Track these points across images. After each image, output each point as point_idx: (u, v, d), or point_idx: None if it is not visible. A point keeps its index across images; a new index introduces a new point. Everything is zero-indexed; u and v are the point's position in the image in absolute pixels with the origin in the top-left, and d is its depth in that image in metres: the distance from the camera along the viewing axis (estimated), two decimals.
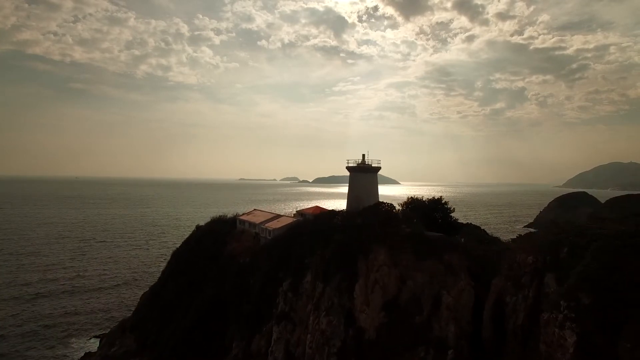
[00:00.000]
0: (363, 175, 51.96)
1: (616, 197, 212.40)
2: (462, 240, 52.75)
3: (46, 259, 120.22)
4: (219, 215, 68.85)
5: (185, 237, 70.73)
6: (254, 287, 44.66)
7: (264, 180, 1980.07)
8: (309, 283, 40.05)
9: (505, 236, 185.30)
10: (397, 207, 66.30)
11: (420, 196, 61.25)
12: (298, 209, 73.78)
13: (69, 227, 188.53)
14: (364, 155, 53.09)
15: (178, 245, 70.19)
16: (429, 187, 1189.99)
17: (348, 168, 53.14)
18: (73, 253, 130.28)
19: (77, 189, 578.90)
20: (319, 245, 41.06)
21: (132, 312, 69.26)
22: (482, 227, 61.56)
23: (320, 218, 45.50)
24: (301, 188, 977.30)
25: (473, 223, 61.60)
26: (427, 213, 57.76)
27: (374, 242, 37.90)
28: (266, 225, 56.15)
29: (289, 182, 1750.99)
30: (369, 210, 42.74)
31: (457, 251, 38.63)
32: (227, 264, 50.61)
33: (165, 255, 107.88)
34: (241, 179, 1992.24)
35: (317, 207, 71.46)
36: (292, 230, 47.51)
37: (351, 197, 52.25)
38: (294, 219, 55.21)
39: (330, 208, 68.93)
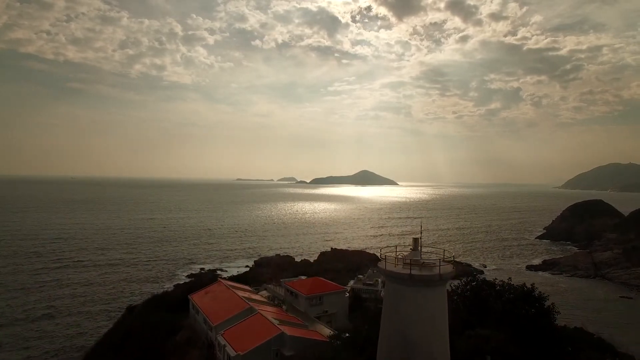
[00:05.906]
0: (418, 292, 20.33)
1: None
2: None
3: None
4: (163, 291, 45.19)
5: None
6: None
7: (262, 180, 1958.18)
8: None
9: (525, 257, 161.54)
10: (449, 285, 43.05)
11: (492, 279, 37.68)
12: (286, 282, 50.16)
13: (45, 242, 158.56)
14: (416, 241, 22.29)
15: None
16: (428, 188, 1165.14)
17: (386, 274, 21.66)
18: (34, 285, 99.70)
19: (70, 191, 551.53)
20: None
21: None
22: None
23: None
24: (299, 189, 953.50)
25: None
26: (508, 308, 34.55)
27: None
28: (226, 335, 32.59)
29: (286, 182, 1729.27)
30: None
31: None
32: None
33: (134, 294, 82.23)
34: (238, 179, 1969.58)
35: (315, 280, 48.30)
36: None
37: (390, 337, 21.17)
38: (274, 331, 31.22)
39: (334, 285, 45.80)
